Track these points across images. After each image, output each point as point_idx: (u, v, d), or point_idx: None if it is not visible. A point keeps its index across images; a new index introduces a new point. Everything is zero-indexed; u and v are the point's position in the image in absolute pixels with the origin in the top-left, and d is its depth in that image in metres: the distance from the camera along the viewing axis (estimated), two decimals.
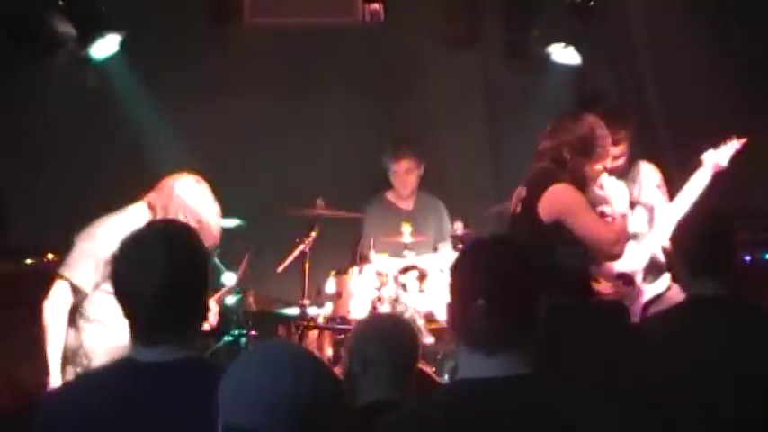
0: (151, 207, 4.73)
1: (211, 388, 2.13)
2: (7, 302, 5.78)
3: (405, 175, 6.68)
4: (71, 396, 2.59)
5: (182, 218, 4.62)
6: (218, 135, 6.85)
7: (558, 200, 4.77)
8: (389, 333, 3.66)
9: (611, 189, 4.92)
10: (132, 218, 4.64)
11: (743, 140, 5.41)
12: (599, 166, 4.89)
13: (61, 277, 4.64)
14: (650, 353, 3.62)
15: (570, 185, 4.79)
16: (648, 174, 5.69)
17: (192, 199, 4.70)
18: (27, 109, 6.37)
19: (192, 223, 4.58)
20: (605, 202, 4.97)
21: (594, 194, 4.98)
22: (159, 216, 4.66)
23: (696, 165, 5.44)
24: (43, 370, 4.73)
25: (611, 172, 5.17)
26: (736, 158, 5.40)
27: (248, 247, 5.91)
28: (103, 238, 4.57)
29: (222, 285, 5.73)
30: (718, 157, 5.39)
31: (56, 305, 4.65)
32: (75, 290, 4.64)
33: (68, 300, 4.65)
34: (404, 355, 3.61)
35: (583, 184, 4.86)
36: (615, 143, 5.41)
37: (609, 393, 2.56)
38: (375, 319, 4.27)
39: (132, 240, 2.60)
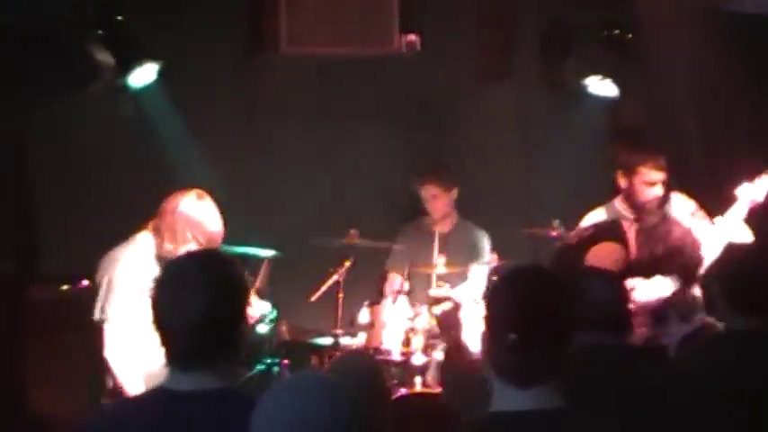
0: (156, 231, 4.75)
1: (246, 420, 2.13)
2: (45, 329, 5.81)
3: (431, 200, 6.65)
4: (105, 425, 2.59)
5: (189, 235, 4.65)
6: (253, 163, 6.88)
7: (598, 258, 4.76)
8: (346, 372, 3.63)
9: (640, 284, 4.90)
10: (141, 246, 4.69)
11: None
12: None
13: (103, 323, 4.68)
14: (688, 385, 3.58)
15: (622, 253, 4.77)
16: (680, 204, 5.66)
17: (196, 214, 4.72)
18: (64, 137, 6.42)
19: (199, 237, 4.62)
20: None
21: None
22: (167, 239, 4.68)
23: (730, 198, 5.38)
24: (74, 396, 4.76)
25: (656, 201, 5.19)
26: None
27: (266, 261, 5.90)
28: (119, 271, 4.62)
29: (255, 315, 5.74)
30: (753, 192, 5.33)
31: (116, 351, 4.68)
32: (112, 327, 4.67)
33: (120, 339, 4.67)
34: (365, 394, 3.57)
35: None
36: (661, 169, 5.41)
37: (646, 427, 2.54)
38: (339, 358, 4.21)
39: (172, 269, 2.62)
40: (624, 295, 4.12)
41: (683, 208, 5.65)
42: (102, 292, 4.71)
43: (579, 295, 3.26)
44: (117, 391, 4.68)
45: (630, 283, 4.99)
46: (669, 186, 5.60)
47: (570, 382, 2.35)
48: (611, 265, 4.63)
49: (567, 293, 2.43)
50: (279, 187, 7.00)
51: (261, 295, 5.80)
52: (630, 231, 5.09)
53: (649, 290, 5.02)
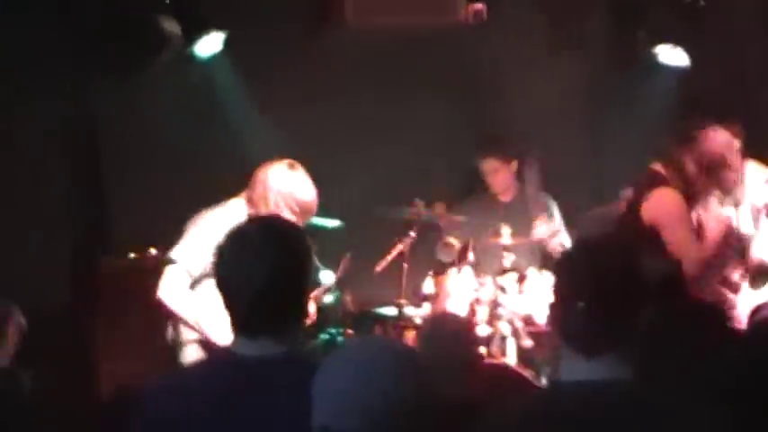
0: (249, 201, 4.75)
1: (310, 385, 2.11)
2: (112, 297, 5.88)
3: (492, 173, 6.63)
4: (172, 391, 2.60)
5: (282, 205, 4.63)
6: (317, 133, 6.87)
7: (660, 204, 4.72)
8: (431, 337, 3.64)
9: (712, 214, 4.82)
10: (232, 211, 4.68)
11: None
12: (716, 191, 4.80)
13: (171, 262, 4.68)
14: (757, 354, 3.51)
15: (677, 194, 4.71)
16: (754, 173, 5.55)
17: (287, 184, 4.71)
18: (133, 107, 6.46)
19: (293, 207, 4.61)
20: (701, 226, 4.88)
21: (697, 215, 4.89)
22: (259, 207, 4.67)
23: None
24: (146, 364, 4.80)
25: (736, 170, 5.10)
26: None
27: (349, 254, 5.91)
28: (207, 227, 4.61)
29: (320, 283, 5.75)
30: None
31: (170, 288, 4.68)
32: (185, 272, 4.67)
33: (183, 280, 4.66)
34: (438, 361, 3.57)
35: (692, 199, 4.78)
36: (737, 136, 5.31)
37: (711, 396, 2.49)
38: (431, 319, 4.22)
39: (237, 233, 2.60)
40: (679, 278, 4.08)
41: (756, 176, 5.55)
42: (181, 240, 4.73)
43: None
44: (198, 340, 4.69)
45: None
46: (743, 155, 5.49)
47: (640, 350, 2.32)
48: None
49: (636, 262, 2.40)
50: (343, 158, 6.99)
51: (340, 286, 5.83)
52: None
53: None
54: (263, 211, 4.67)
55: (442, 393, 3.49)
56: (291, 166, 4.78)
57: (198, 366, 2.94)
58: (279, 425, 2.41)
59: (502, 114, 7.17)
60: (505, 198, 6.71)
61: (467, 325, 4.05)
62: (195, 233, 4.69)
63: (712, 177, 4.82)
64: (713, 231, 4.89)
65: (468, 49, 7.12)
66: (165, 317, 4.82)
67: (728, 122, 5.35)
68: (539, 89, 7.12)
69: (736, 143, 5.34)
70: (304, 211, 4.66)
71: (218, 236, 4.40)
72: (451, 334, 3.69)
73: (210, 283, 4.45)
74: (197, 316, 4.64)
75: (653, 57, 6.77)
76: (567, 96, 7.28)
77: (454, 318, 4.62)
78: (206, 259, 4.56)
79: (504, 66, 7.18)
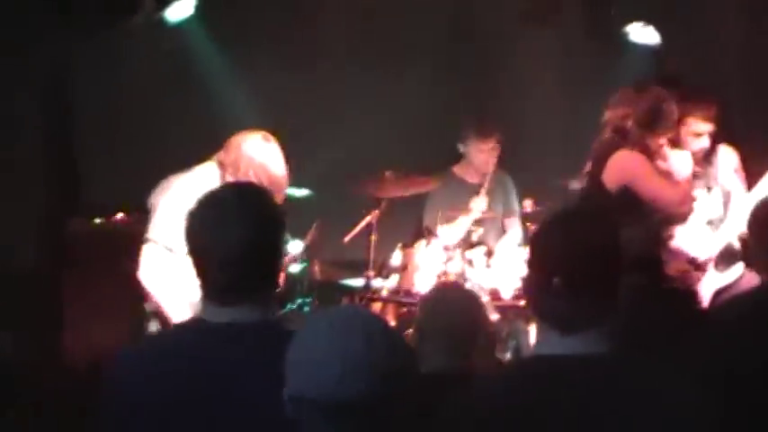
0: (221, 165, 4.72)
1: (283, 353, 2.10)
2: (77, 261, 5.84)
3: (489, 153, 6.59)
4: (143, 356, 2.58)
5: (251, 175, 4.61)
6: (291, 99, 6.83)
7: (622, 166, 4.80)
8: (447, 305, 3.64)
9: (673, 159, 4.89)
10: (203, 176, 4.65)
11: None
12: (662, 140, 4.87)
13: (149, 241, 4.65)
14: (722, 336, 3.55)
15: (635, 152, 4.78)
16: (726, 157, 5.59)
17: (260, 155, 4.68)
18: (105, 70, 6.40)
19: (263, 179, 4.59)
20: (668, 174, 4.94)
21: (657, 167, 4.94)
22: (229, 174, 4.65)
23: None
24: (114, 328, 4.77)
25: (702, 152, 5.15)
26: None
27: (318, 223, 5.89)
28: (178, 195, 4.57)
29: (288, 253, 5.73)
30: None
31: (151, 271, 4.65)
32: (164, 248, 4.63)
33: (163, 261, 4.64)
34: (460, 328, 3.58)
35: (646, 155, 4.84)
36: (708, 119, 5.35)
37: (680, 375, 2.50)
38: (437, 290, 4.22)
39: (209, 199, 2.57)
40: (658, 239, 4.12)
41: (728, 161, 5.59)
42: (154, 214, 4.69)
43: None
44: (160, 315, 4.68)
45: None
46: (716, 138, 5.53)
47: (617, 325, 2.31)
48: None
49: (614, 236, 2.38)
50: (317, 127, 6.97)
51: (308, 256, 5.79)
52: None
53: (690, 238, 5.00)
54: (231, 174, 4.64)
55: (437, 365, 3.52)
56: (266, 138, 4.75)
57: (168, 332, 2.92)
58: (251, 391, 2.39)
59: (478, 86, 7.18)
60: (473, 179, 6.71)
61: (477, 298, 4.06)
62: (167, 204, 4.65)
63: (653, 129, 4.88)
64: (682, 169, 4.95)
65: (445, 19, 7.12)
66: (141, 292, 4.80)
67: (703, 104, 5.37)
68: (514, 64, 7.14)
69: (699, 121, 5.37)
70: (274, 184, 4.63)
71: (190, 201, 4.39)
72: (455, 303, 3.68)
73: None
74: (173, 302, 4.62)
75: (625, 35, 6.79)
76: (541, 71, 7.29)
77: (464, 289, 4.58)
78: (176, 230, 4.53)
79: (480, 41, 7.18)
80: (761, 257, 3.69)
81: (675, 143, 5.35)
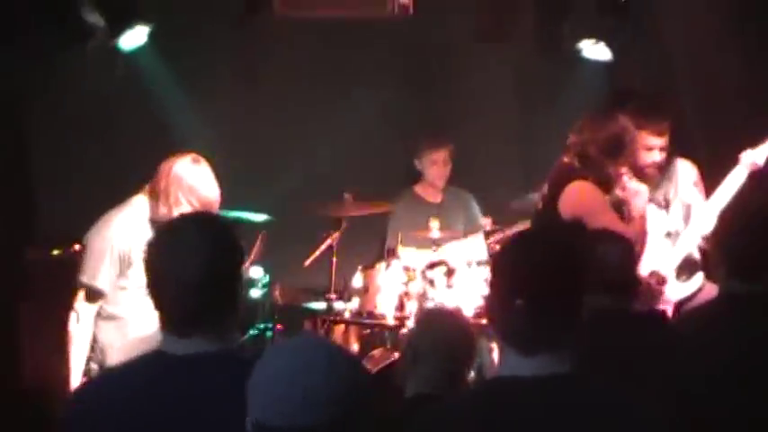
0: (151, 194, 4.69)
1: (244, 382, 2.09)
2: (34, 292, 5.78)
3: (442, 164, 6.67)
4: (100, 390, 2.56)
5: (183, 199, 4.59)
6: (246, 126, 6.83)
7: (576, 198, 4.82)
8: (443, 329, 3.66)
9: (630, 190, 4.92)
10: (135, 209, 4.64)
11: None
12: (623, 169, 4.90)
13: (82, 285, 4.63)
14: (682, 351, 3.58)
15: (590, 184, 4.80)
16: (685, 171, 5.64)
17: (190, 178, 4.65)
18: (59, 97, 6.35)
19: (193, 202, 4.57)
20: (625, 203, 4.98)
21: (615, 196, 4.98)
22: (161, 202, 4.62)
23: (733, 164, 5.37)
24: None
25: (654, 166, 5.18)
26: None
27: (262, 233, 5.86)
28: (112, 234, 4.57)
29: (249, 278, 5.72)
30: (755, 157, 5.32)
31: (80, 315, 4.66)
32: (98, 293, 4.63)
33: (92, 306, 4.65)
34: (454, 353, 3.60)
35: (605, 183, 4.87)
36: (660, 134, 5.40)
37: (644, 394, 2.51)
38: (433, 312, 4.24)
39: (168, 229, 2.59)
40: (633, 259, 4.13)
41: (687, 176, 5.64)
42: (90, 255, 4.66)
43: (590, 257, 3.24)
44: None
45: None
46: (672, 152, 5.57)
47: (581, 347, 2.31)
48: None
49: (578, 258, 2.38)
50: (274, 150, 6.96)
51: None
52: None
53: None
54: (163, 203, 4.62)
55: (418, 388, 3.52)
56: (195, 161, 4.72)
57: (126, 366, 2.89)
58: (211, 423, 2.37)
59: (433, 106, 7.21)
60: (435, 199, 6.76)
61: (464, 318, 4.10)
62: (98, 245, 4.64)
63: (614, 159, 4.92)
64: (638, 205, 4.98)
65: (398, 41, 7.14)
66: None
67: (655, 119, 5.42)
68: (467, 81, 7.17)
69: (651, 135, 5.41)
70: (205, 206, 4.60)
71: (130, 237, 4.38)
72: (454, 327, 3.71)
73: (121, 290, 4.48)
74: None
75: (577, 51, 6.85)
76: (494, 88, 7.34)
77: (452, 311, 4.61)
78: (116, 269, 4.53)
79: (433, 58, 7.21)
80: (719, 269, 3.72)
81: (636, 170, 5.38)
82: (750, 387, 3.34)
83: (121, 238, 4.62)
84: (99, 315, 4.70)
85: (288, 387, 2.00)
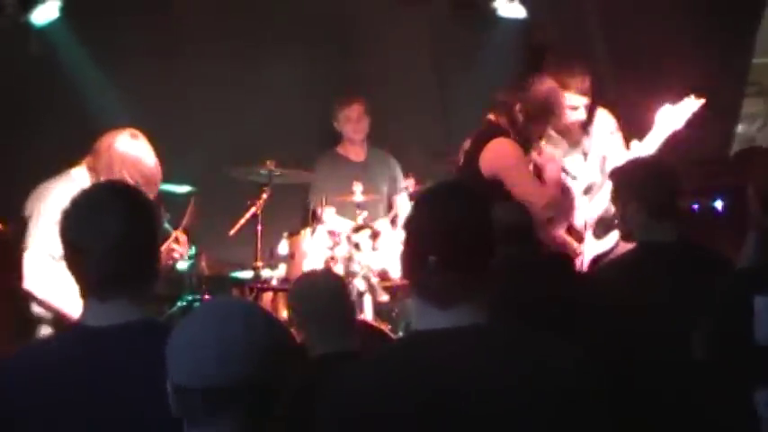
0: (91, 169, 4.68)
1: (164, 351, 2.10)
2: None
3: (356, 120, 6.72)
4: (20, 364, 2.54)
5: (125, 174, 4.59)
6: (164, 97, 6.76)
7: (497, 153, 4.90)
8: (316, 290, 3.73)
9: (546, 155, 5.01)
10: (76, 181, 4.59)
11: (701, 101, 5.33)
12: (544, 133, 4.99)
13: (28, 249, 4.57)
14: (600, 298, 3.67)
15: (512, 141, 4.88)
16: (602, 121, 5.71)
17: (131, 152, 4.68)
18: None
19: (136, 176, 4.57)
20: (540, 168, 5.06)
21: (532, 159, 5.06)
22: (102, 176, 4.61)
23: (649, 113, 5.40)
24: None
25: (579, 125, 5.25)
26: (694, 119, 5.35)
27: (192, 199, 5.84)
28: (56, 200, 4.51)
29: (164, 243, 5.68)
30: (674, 117, 5.32)
31: (37, 279, 4.57)
32: (48, 258, 4.55)
33: (45, 266, 4.54)
34: (335, 309, 3.66)
35: (526, 145, 4.96)
36: (584, 93, 5.46)
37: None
38: (303, 278, 4.29)
39: (83, 197, 2.57)
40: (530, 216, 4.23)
41: (605, 125, 5.71)
42: (31, 222, 4.61)
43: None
44: (53, 319, 4.60)
45: None
46: (593, 108, 5.63)
47: (492, 297, 2.35)
48: None
49: (487, 211, 2.42)
50: (193, 122, 6.91)
51: (188, 233, 5.74)
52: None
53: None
54: (105, 177, 4.60)
55: (321, 349, 3.58)
56: (134, 136, 4.73)
57: (48, 340, 2.88)
58: (133, 394, 2.37)
59: (350, 66, 7.21)
60: (358, 157, 6.79)
61: (341, 280, 4.16)
62: (44, 210, 4.58)
63: (540, 123, 5.02)
64: (551, 172, 5.08)
65: (315, 5, 7.11)
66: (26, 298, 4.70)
67: (578, 79, 5.46)
68: (384, 43, 7.18)
69: (575, 94, 5.47)
70: (148, 180, 4.62)
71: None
72: (328, 290, 3.76)
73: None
74: (66, 302, 4.55)
75: (492, 10, 6.90)
76: (412, 50, 7.36)
77: (327, 274, 4.70)
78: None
79: (350, 21, 7.20)
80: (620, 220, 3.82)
81: (561, 129, 5.44)
82: (666, 327, 3.46)
83: (57, 208, 4.54)
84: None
85: (204, 341, 2.02)
